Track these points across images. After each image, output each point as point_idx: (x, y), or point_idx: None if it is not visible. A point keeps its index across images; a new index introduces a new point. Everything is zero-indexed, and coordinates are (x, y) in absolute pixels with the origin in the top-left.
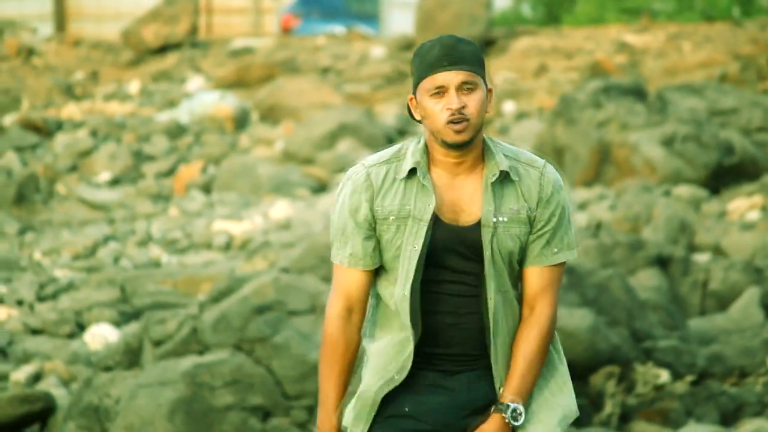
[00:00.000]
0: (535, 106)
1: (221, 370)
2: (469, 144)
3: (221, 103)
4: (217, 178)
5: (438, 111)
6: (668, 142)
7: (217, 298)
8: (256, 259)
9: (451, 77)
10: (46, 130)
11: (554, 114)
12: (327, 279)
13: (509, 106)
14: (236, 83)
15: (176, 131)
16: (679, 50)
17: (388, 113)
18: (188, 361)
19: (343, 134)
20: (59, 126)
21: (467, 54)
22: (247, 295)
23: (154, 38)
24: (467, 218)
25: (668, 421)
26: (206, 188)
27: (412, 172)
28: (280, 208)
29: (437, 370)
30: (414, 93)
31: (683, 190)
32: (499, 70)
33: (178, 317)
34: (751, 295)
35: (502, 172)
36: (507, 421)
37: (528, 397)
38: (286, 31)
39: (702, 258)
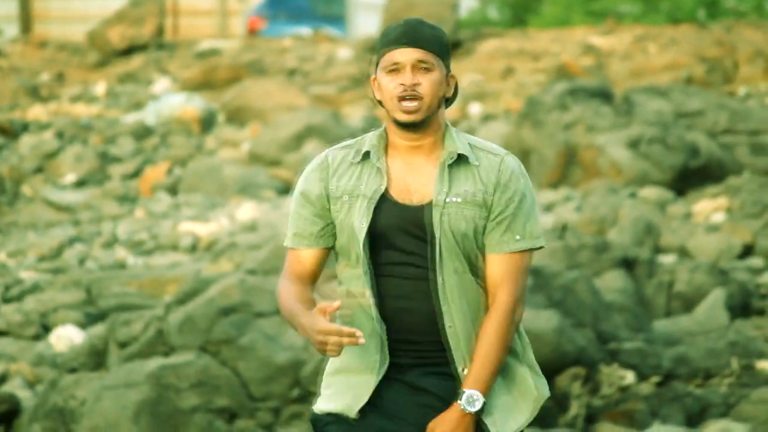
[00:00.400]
0: (502, 108)
1: (187, 371)
2: (422, 125)
3: (188, 105)
4: (183, 179)
5: (392, 87)
6: (634, 144)
7: (183, 299)
8: (222, 261)
9: (407, 54)
10: (11, 132)
11: (521, 116)
12: None
13: (475, 108)
14: (203, 85)
15: (142, 133)
16: (645, 52)
17: (355, 115)
18: (154, 363)
19: (310, 136)
20: (25, 127)
21: (428, 35)
22: (213, 296)
23: (120, 40)
24: (419, 199)
25: (633, 422)
26: (172, 190)
27: (367, 155)
28: (247, 210)
29: (393, 362)
30: (375, 73)
31: (649, 192)
32: (466, 72)
33: (143, 319)
34: (716, 296)
35: (459, 155)
36: (462, 407)
37: (489, 385)
38: (253, 32)
39: (667, 260)
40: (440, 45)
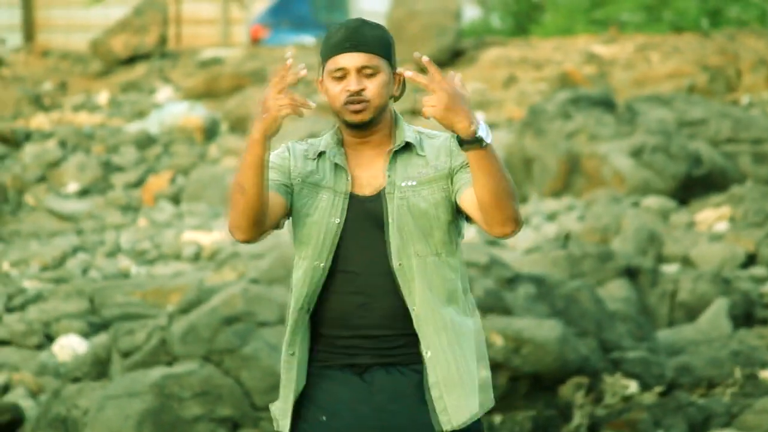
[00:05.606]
0: (504, 117)
1: (190, 381)
2: (371, 124)
3: (190, 114)
4: (186, 188)
5: (338, 93)
6: (637, 153)
7: (186, 309)
8: (225, 270)
9: (352, 60)
10: (14, 141)
11: (523, 125)
12: None
13: (478, 117)
14: (205, 94)
15: (145, 142)
16: (648, 61)
17: None
18: (157, 372)
19: None
20: (28, 137)
21: (370, 37)
22: (216, 305)
23: (123, 49)
24: (371, 190)
25: (637, 431)
26: (175, 199)
27: (322, 154)
28: None
29: (351, 364)
30: (321, 76)
31: (652, 201)
32: (468, 80)
33: (146, 328)
34: (720, 305)
35: (406, 142)
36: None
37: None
38: (255, 41)
39: (670, 269)
40: (383, 46)
